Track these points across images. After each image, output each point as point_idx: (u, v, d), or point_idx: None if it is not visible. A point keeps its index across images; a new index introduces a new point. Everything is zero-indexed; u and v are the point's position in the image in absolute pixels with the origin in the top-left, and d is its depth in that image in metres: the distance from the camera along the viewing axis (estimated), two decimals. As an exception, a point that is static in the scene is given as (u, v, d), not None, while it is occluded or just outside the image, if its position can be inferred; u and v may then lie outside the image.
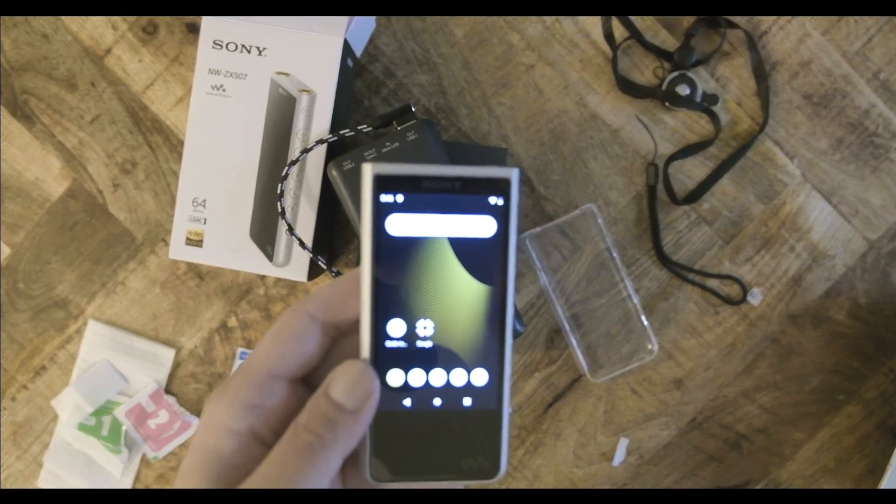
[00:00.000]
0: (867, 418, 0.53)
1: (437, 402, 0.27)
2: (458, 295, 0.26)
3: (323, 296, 0.26)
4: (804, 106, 0.52)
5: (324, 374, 0.26)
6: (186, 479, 0.24)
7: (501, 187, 0.26)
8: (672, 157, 0.51)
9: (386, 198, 0.26)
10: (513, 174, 0.26)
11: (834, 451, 0.53)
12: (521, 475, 0.53)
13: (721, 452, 0.53)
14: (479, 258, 0.26)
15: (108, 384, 0.53)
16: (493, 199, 0.26)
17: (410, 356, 0.27)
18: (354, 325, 0.27)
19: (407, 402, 0.27)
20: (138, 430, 0.53)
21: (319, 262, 0.45)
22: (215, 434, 0.25)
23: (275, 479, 0.23)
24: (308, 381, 0.27)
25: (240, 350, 0.53)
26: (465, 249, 0.26)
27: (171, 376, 0.53)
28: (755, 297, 0.52)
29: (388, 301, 0.26)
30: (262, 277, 0.52)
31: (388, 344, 0.26)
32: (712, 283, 0.52)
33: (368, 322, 0.26)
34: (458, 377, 0.27)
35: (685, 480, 0.53)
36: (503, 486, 0.53)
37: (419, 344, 0.27)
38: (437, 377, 0.27)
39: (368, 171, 0.25)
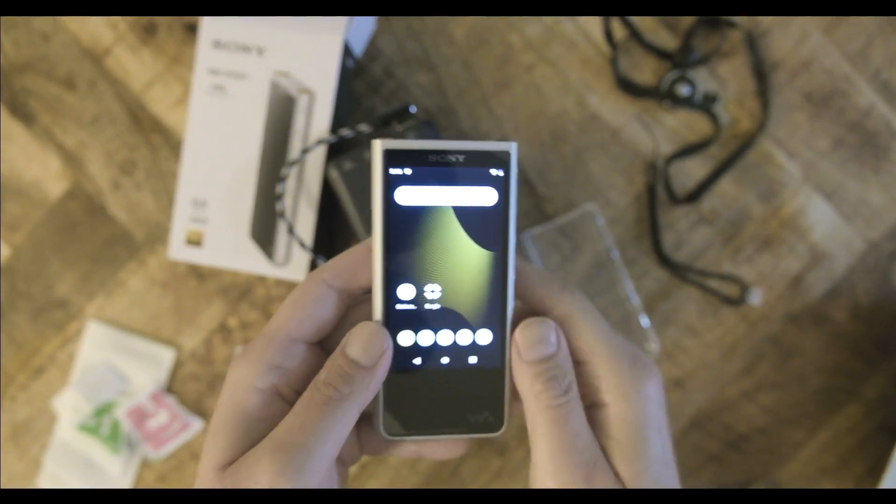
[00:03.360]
0: (868, 418, 0.53)
1: (444, 360, 0.29)
2: (463, 260, 0.28)
3: (338, 264, 0.28)
4: (804, 106, 0.52)
5: (338, 339, 0.28)
6: (218, 431, 0.26)
7: (502, 159, 0.28)
8: (672, 157, 0.51)
9: (395, 171, 0.28)
10: (512, 147, 0.28)
11: (834, 451, 0.53)
12: (522, 475, 0.53)
13: (721, 452, 0.53)
14: (482, 226, 0.28)
15: (108, 384, 0.53)
16: (493, 171, 0.28)
17: (419, 318, 0.29)
18: (367, 293, 0.29)
19: (417, 360, 0.29)
20: (138, 431, 0.53)
21: (319, 263, 0.45)
22: (242, 391, 0.27)
23: (297, 430, 0.25)
24: (324, 344, 0.29)
25: (240, 350, 0.53)
26: (469, 218, 0.28)
27: (172, 376, 0.53)
28: (755, 297, 0.52)
29: (398, 267, 0.28)
30: (262, 278, 0.52)
31: (399, 307, 0.28)
32: (712, 283, 0.52)
33: (380, 287, 0.28)
34: (464, 337, 0.29)
35: (685, 480, 0.53)
36: (503, 486, 0.53)
37: (427, 307, 0.28)
38: (445, 337, 0.29)
39: (378, 147, 0.28)
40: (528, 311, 0.30)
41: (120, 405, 0.53)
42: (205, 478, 0.26)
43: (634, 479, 0.26)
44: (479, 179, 0.28)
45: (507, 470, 0.53)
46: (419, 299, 0.28)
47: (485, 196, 0.28)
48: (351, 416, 0.26)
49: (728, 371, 0.53)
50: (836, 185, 0.52)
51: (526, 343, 0.27)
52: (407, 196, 0.28)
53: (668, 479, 0.27)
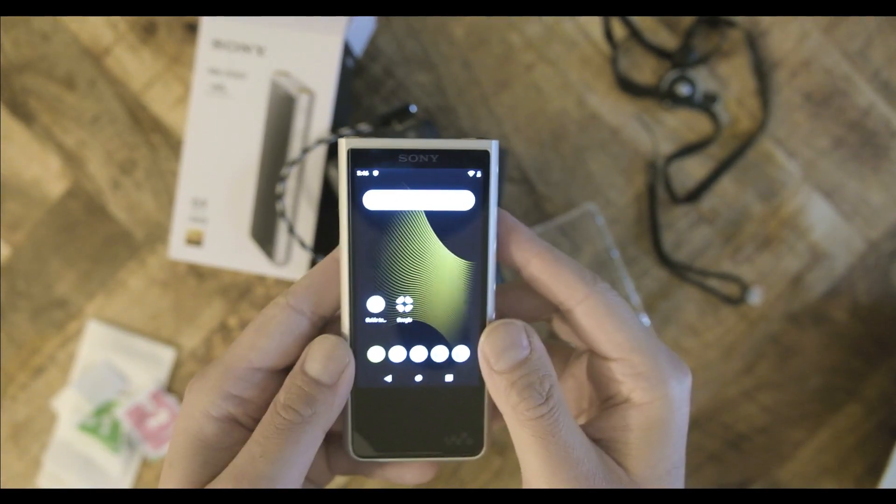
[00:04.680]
0: (868, 418, 0.53)
1: (418, 378, 0.27)
2: (438, 271, 0.26)
3: (303, 286, 0.26)
4: (804, 105, 0.52)
5: None
6: (173, 463, 0.25)
7: (479, 159, 0.26)
8: (672, 157, 0.51)
9: (362, 173, 0.26)
10: (491, 146, 0.26)
11: (834, 451, 0.53)
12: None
13: (721, 452, 0.53)
14: (458, 233, 0.26)
15: (108, 384, 0.53)
16: (470, 172, 0.26)
17: (390, 333, 0.26)
18: (339, 311, 0.27)
19: (388, 378, 0.27)
20: (138, 430, 0.53)
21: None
22: (196, 420, 0.25)
23: (258, 459, 0.23)
24: (290, 369, 0.27)
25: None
26: (444, 224, 0.26)
27: (172, 376, 0.53)
28: (755, 297, 0.52)
29: (367, 278, 0.26)
30: (262, 277, 0.52)
31: (368, 320, 0.26)
32: (712, 282, 0.52)
33: (347, 299, 0.26)
34: (440, 354, 0.27)
35: (685, 479, 0.53)
36: (503, 486, 0.53)
37: (399, 320, 0.26)
38: (418, 354, 0.27)
39: (343, 146, 0.25)
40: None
41: (120, 405, 0.53)
42: None
43: (647, 481, 0.25)
44: (453, 182, 0.26)
45: (507, 470, 0.53)
46: (390, 312, 0.26)
47: (460, 200, 0.26)
48: (315, 438, 0.24)
49: (728, 370, 0.53)
50: (836, 185, 0.52)
51: (494, 351, 0.25)
52: (375, 200, 0.26)
53: (678, 482, 0.26)
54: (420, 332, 0.26)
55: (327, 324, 0.28)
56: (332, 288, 0.26)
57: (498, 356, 0.25)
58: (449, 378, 0.27)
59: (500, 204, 0.27)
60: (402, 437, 0.27)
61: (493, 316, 0.27)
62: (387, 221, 0.26)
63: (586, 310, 0.26)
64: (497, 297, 0.28)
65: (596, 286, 0.26)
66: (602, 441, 0.26)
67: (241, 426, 0.25)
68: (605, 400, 0.27)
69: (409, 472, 0.28)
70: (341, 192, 0.26)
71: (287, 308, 0.26)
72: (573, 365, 0.30)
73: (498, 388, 0.25)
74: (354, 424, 0.27)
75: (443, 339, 0.27)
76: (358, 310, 0.26)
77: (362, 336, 0.26)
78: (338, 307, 0.27)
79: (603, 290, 0.26)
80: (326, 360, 0.25)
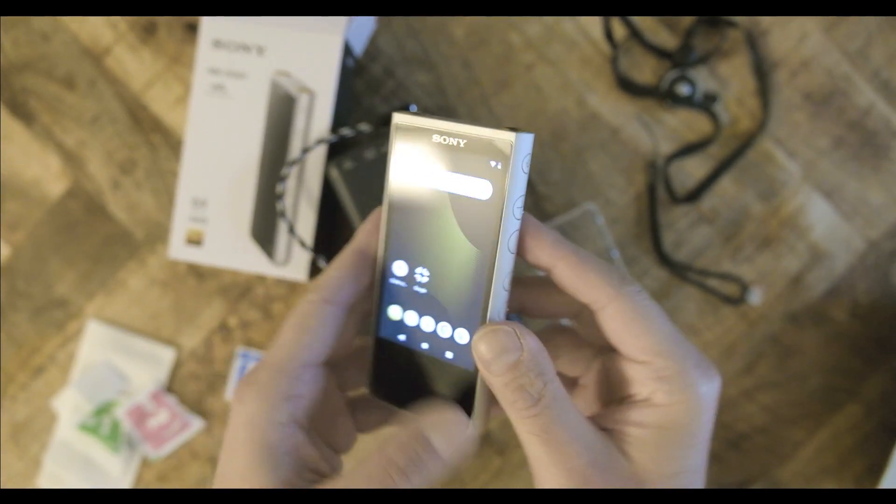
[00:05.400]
0: (868, 418, 0.53)
1: (424, 345, 0.28)
2: (451, 251, 0.27)
3: (332, 279, 0.28)
4: (804, 105, 0.52)
5: (343, 354, 0.28)
6: (245, 476, 0.25)
7: (501, 151, 0.26)
8: (672, 157, 0.51)
9: (402, 146, 0.27)
10: (514, 139, 0.26)
11: (834, 451, 0.53)
12: (522, 474, 0.53)
13: (721, 451, 0.53)
14: (474, 220, 0.27)
15: (108, 384, 0.53)
16: (492, 163, 0.26)
17: (408, 297, 0.28)
18: (363, 296, 0.29)
19: (402, 336, 0.29)
20: (138, 430, 0.53)
21: (319, 262, 0.45)
22: (260, 428, 0.25)
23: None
24: (329, 361, 0.29)
25: (240, 349, 0.53)
26: (464, 208, 0.27)
27: (172, 376, 0.53)
28: (755, 297, 0.52)
29: (397, 242, 0.28)
30: (262, 277, 0.52)
31: (392, 281, 0.28)
32: (712, 282, 0.52)
33: (381, 255, 0.28)
34: (444, 330, 0.28)
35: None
36: (503, 486, 0.53)
37: (416, 288, 0.28)
38: (427, 323, 0.28)
39: (393, 120, 0.27)
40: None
41: (120, 404, 0.53)
42: None
43: (651, 478, 0.25)
44: (476, 169, 0.26)
45: (507, 469, 0.53)
46: (410, 279, 0.28)
47: (480, 188, 0.26)
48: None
49: (728, 370, 0.53)
50: (836, 185, 0.52)
51: (487, 354, 0.25)
52: (409, 173, 0.27)
53: (691, 486, 0.26)
54: (431, 305, 0.28)
55: (352, 309, 0.29)
56: (357, 277, 0.28)
57: (490, 361, 0.25)
58: (449, 355, 0.28)
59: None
60: (406, 392, 0.29)
61: (504, 309, 0.27)
62: (417, 194, 0.27)
63: (612, 313, 0.26)
64: (525, 291, 0.30)
65: (623, 289, 0.26)
66: (614, 431, 0.26)
67: (300, 429, 0.26)
68: (623, 397, 0.27)
69: None
70: (388, 162, 0.28)
71: (322, 303, 0.27)
72: (597, 360, 0.31)
73: (495, 388, 0.26)
74: (373, 367, 0.29)
75: (448, 317, 0.28)
76: (386, 268, 0.28)
77: (387, 292, 0.28)
78: (363, 292, 0.29)
79: (630, 293, 0.26)
80: (451, 437, 0.26)
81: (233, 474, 0.25)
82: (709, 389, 0.26)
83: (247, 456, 0.25)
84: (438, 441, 0.25)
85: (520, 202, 0.26)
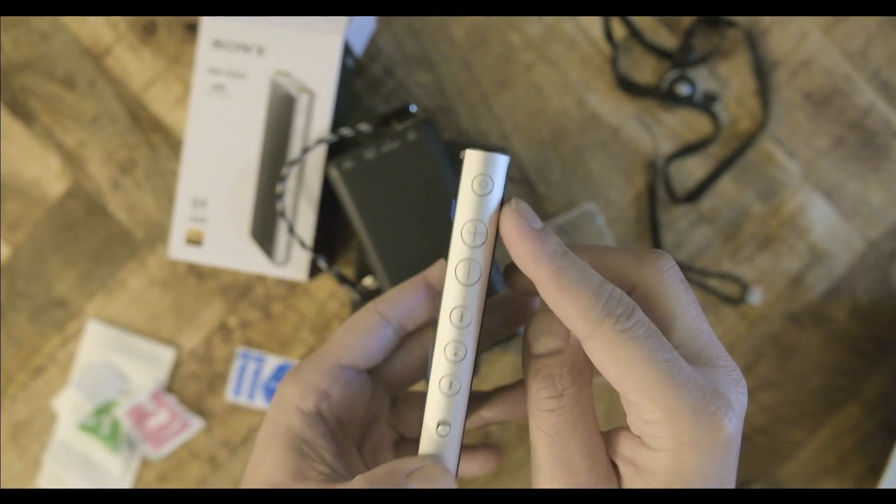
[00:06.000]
0: (868, 418, 0.53)
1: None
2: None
3: (393, 297, 0.28)
4: (804, 105, 0.52)
5: (389, 370, 0.29)
6: (266, 448, 0.27)
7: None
8: (672, 157, 0.51)
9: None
10: (466, 154, 0.24)
11: (834, 451, 0.53)
12: (522, 474, 0.53)
13: (721, 452, 0.53)
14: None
15: (108, 384, 0.53)
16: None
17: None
18: (422, 325, 0.29)
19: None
20: (138, 430, 0.53)
21: (319, 262, 0.45)
22: (287, 411, 0.27)
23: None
24: (373, 373, 0.29)
25: (240, 349, 0.53)
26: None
27: (172, 376, 0.53)
28: (755, 297, 0.52)
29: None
30: (262, 277, 0.52)
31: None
32: (712, 282, 0.52)
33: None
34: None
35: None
36: (503, 486, 0.53)
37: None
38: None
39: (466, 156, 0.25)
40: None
41: (120, 404, 0.53)
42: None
43: None
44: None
45: (507, 469, 0.53)
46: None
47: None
48: None
49: (728, 370, 0.53)
50: (836, 185, 0.52)
51: (533, 334, 0.25)
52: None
53: None
54: None
55: (409, 337, 0.29)
56: (420, 303, 0.28)
57: (534, 339, 0.25)
58: None
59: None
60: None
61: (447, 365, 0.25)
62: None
63: (593, 348, 0.23)
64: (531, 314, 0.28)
65: (601, 326, 0.22)
66: (629, 459, 0.24)
67: (323, 420, 0.27)
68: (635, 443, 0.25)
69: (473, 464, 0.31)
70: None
71: (374, 312, 0.28)
72: None
73: (528, 372, 0.25)
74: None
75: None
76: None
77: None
78: (422, 322, 0.29)
79: (610, 331, 0.22)
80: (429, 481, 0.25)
81: (257, 448, 0.27)
82: (704, 432, 0.22)
83: (269, 433, 0.27)
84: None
85: (470, 227, 0.24)
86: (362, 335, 0.28)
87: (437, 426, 0.25)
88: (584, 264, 0.24)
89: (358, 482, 0.25)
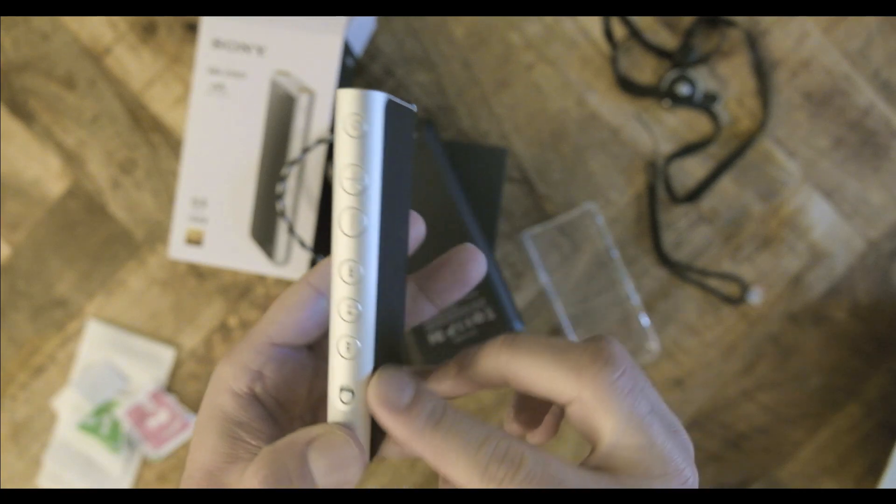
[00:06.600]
0: (868, 417, 0.53)
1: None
2: None
3: (320, 268, 0.27)
4: (804, 105, 0.52)
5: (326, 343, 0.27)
6: (202, 431, 0.26)
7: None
8: (672, 157, 0.51)
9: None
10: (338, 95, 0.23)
11: (834, 451, 0.53)
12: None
13: (721, 451, 0.53)
14: None
15: (108, 383, 0.53)
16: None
17: None
18: None
19: None
20: (138, 430, 0.53)
21: (319, 262, 0.45)
22: (220, 393, 0.26)
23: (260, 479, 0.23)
24: (313, 348, 0.28)
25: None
26: None
27: (172, 375, 0.53)
28: (755, 297, 0.52)
29: None
30: (262, 277, 0.52)
31: None
32: (712, 282, 0.52)
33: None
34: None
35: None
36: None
37: None
38: None
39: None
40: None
41: (120, 404, 0.53)
42: (190, 479, 0.25)
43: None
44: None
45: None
46: None
47: None
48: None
49: (728, 370, 0.53)
50: (836, 184, 0.52)
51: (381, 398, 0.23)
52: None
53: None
54: None
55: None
56: None
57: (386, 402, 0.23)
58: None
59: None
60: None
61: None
62: None
63: (569, 413, 0.24)
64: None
65: (576, 395, 0.23)
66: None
67: (259, 402, 0.26)
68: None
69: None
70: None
71: (307, 286, 0.26)
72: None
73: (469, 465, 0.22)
74: None
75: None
76: None
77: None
78: None
79: (582, 399, 0.23)
80: (332, 467, 0.23)
81: (195, 431, 0.26)
82: (667, 481, 0.23)
83: (204, 416, 0.26)
84: (317, 463, 0.23)
85: (349, 172, 0.23)
86: (295, 310, 0.26)
87: (340, 392, 0.23)
88: (462, 426, 0.22)
89: (263, 454, 0.23)
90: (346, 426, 0.24)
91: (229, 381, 0.26)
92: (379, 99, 0.22)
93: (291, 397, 0.27)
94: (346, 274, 0.23)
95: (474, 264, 0.28)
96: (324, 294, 0.26)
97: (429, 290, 0.28)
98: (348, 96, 0.22)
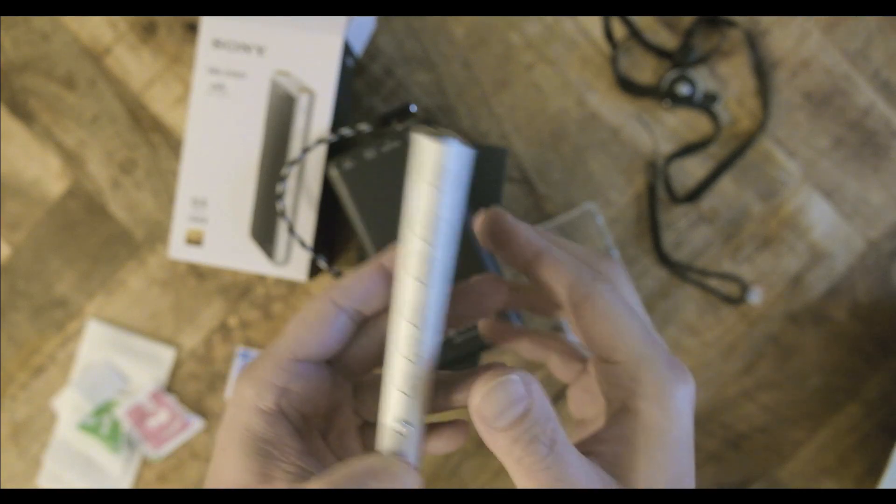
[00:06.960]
0: (868, 418, 0.53)
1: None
2: None
3: (343, 283, 0.27)
4: (804, 105, 0.52)
5: (349, 354, 0.27)
6: (225, 454, 0.26)
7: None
8: (672, 156, 0.51)
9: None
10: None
11: (834, 451, 0.53)
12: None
13: (721, 451, 0.53)
14: None
15: (108, 384, 0.53)
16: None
17: None
18: (380, 310, 0.28)
19: None
20: (138, 430, 0.53)
21: (319, 262, 0.45)
22: (244, 412, 0.26)
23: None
24: (333, 363, 0.28)
25: (240, 349, 0.53)
26: None
27: (172, 375, 0.53)
28: (755, 297, 0.52)
29: None
30: (262, 277, 0.52)
31: None
32: (712, 282, 0.52)
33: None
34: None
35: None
36: (503, 486, 0.53)
37: None
38: None
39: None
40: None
41: (120, 404, 0.53)
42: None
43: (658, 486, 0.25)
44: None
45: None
46: None
47: None
48: None
49: (728, 370, 0.53)
50: (836, 184, 0.52)
51: (492, 412, 0.23)
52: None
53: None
54: None
55: (367, 321, 0.28)
56: (376, 290, 0.27)
57: (496, 417, 0.23)
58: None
59: (499, 206, 0.26)
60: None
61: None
62: None
63: (583, 312, 0.26)
64: (510, 293, 0.28)
65: (594, 287, 0.25)
66: (604, 454, 0.25)
67: (285, 418, 0.26)
68: (608, 407, 0.26)
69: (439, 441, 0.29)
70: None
71: (328, 302, 0.27)
72: (584, 374, 0.30)
73: (497, 443, 0.24)
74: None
75: None
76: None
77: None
78: (379, 308, 0.27)
79: (601, 291, 0.25)
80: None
81: (217, 451, 0.26)
82: (682, 393, 0.25)
83: (228, 436, 0.26)
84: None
85: (427, 221, 0.23)
86: (317, 327, 0.27)
87: (397, 424, 0.25)
88: (561, 241, 0.27)
89: (317, 485, 0.23)
90: (400, 455, 0.25)
91: (254, 400, 0.26)
92: (467, 156, 0.23)
93: (313, 411, 0.27)
94: (416, 319, 0.24)
95: (497, 296, 0.29)
96: (345, 310, 0.27)
97: (447, 313, 0.28)
98: (441, 151, 0.22)
